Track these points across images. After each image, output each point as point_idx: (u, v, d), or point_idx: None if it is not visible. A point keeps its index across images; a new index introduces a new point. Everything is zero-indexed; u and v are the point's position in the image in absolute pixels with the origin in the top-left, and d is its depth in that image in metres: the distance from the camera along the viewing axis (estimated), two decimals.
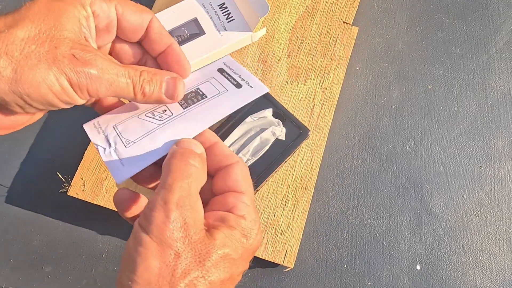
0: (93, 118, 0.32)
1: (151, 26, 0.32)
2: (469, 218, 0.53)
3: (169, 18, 0.55)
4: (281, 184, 0.52)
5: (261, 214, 0.51)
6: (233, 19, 0.55)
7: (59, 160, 0.55)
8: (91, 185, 0.51)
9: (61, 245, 0.52)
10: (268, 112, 0.51)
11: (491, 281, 0.51)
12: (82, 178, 0.51)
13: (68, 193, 0.51)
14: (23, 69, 0.25)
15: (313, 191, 0.52)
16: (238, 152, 0.50)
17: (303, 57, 0.57)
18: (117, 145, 0.30)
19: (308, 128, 0.51)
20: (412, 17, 0.61)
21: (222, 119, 0.32)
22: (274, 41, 0.57)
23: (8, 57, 0.25)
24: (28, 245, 0.52)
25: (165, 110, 0.31)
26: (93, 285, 0.51)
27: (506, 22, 0.61)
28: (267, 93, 0.52)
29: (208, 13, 0.55)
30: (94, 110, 0.34)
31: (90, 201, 0.51)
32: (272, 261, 0.49)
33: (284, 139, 0.50)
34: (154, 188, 0.32)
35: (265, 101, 0.51)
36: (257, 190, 0.50)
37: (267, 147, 0.50)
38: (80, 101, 0.28)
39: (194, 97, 0.32)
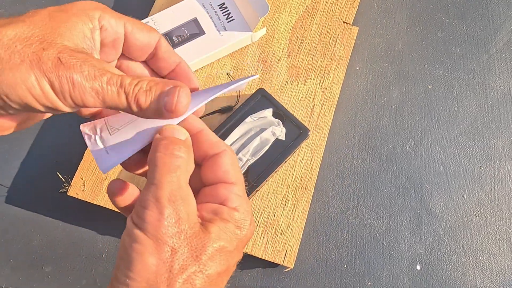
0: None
1: (159, 45, 0.32)
2: (469, 218, 0.53)
3: (169, 18, 0.55)
4: (281, 184, 0.52)
5: (261, 214, 0.51)
6: (233, 19, 0.55)
7: (59, 160, 0.55)
8: (91, 185, 0.51)
9: (61, 245, 0.52)
10: (268, 112, 0.51)
11: (491, 281, 0.51)
12: (82, 178, 0.51)
13: (68, 193, 0.51)
14: (4, 68, 0.24)
15: (313, 191, 0.52)
16: (238, 152, 0.50)
17: (303, 57, 0.57)
18: (102, 132, 0.29)
19: (308, 128, 0.51)
20: (412, 17, 0.61)
21: (206, 103, 0.30)
22: (274, 41, 0.57)
23: None
24: (28, 245, 0.52)
25: None
26: (93, 285, 0.51)
27: (506, 22, 0.61)
28: (267, 93, 0.52)
29: (208, 13, 0.55)
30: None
31: (90, 201, 0.51)
32: (272, 261, 0.49)
33: (284, 139, 0.50)
34: (143, 174, 0.32)
35: (265, 101, 0.51)
36: (257, 190, 0.50)
37: (267, 147, 0.50)
38: (66, 109, 0.26)
39: None
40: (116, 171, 0.51)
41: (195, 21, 0.55)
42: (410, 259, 0.51)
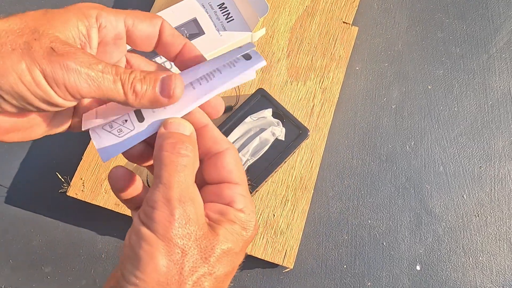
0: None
1: (162, 30, 0.31)
2: (469, 219, 0.53)
3: (168, 18, 0.55)
4: (281, 185, 0.52)
5: (260, 214, 0.51)
6: (233, 19, 0.55)
7: (59, 160, 0.55)
8: (91, 185, 0.51)
9: (61, 245, 0.52)
10: (267, 112, 0.51)
11: (491, 281, 0.51)
12: (81, 178, 0.51)
13: (68, 193, 0.51)
14: None
15: (312, 191, 0.52)
16: (237, 152, 0.50)
17: (303, 57, 0.57)
18: (105, 122, 0.29)
19: (308, 128, 0.51)
20: (412, 17, 0.61)
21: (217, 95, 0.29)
22: (273, 41, 0.57)
23: None
24: (27, 245, 0.52)
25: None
26: (93, 286, 0.51)
27: (506, 22, 0.61)
28: (267, 93, 0.52)
29: (207, 13, 0.55)
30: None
31: (89, 201, 0.51)
32: (271, 261, 0.49)
33: (283, 139, 0.50)
34: (146, 166, 0.31)
35: (264, 101, 0.51)
36: (257, 190, 0.50)
37: (266, 147, 0.50)
38: (60, 100, 0.25)
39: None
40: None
41: (194, 21, 0.55)
42: (410, 260, 0.51)
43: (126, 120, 0.29)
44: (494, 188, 0.54)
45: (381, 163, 0.55)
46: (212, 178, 0.29)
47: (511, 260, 0.51)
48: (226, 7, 0.56)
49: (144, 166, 0.31)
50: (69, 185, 0.51)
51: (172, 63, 0.40)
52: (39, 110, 0.26)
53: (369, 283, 0.51)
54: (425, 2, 0.62)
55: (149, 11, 0.59)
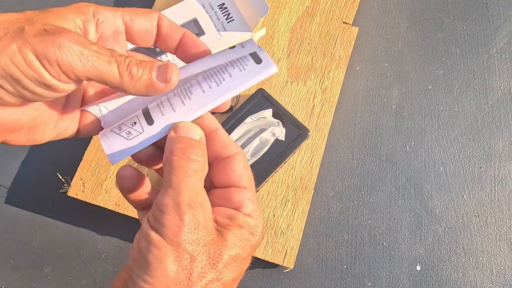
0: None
1: (160, 23, 0.31)
2: (470, 219, 0.53)
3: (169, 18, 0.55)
4: (281, 185, 0.52)
5: None
6: (233, 20, 0.55)
7: (59, 161, 0.55)
8: (91, 186, 0.51)
9: (61, 245, 0.52)
10: (267, 113, 0.51)
11: (492, 281, 0.51)
12: (81, 179, 0.51)
13: (68, 194, 0.51)
14: None
15: (313, 191, 0.52)
16: None
17: (303, 57, 0.57)
18: (115, 125, 0.29)
19: (308, 128, 0.51)
20: (412, 17, 0.61)
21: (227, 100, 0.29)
22: (274, 41, 0.57)
23: None
24: (28, 245, 0.52)
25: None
26: (93, 286, 0.51)
27: (506, 22, 0.61)
28: (267, 93, 0.52)
29: (208, 13, 0.55)
30: None
31: (89, 202, 0.51)
32: (272, 261, 0.49)
33: (284, 139, 0.50)
34: (155, 169, 0.31)
35: (265, 101, 0.51)
36: (257, 191, 0.50)
37: (266, 148, 0.50)
38: (54, 81, 0.25)
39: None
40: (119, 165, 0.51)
41: (195, 21, 0.55)
42: (410, 260, 0.51)
43: (135, 123, 0.29)
44: (494, 188, 0.54)
45: (381, 163, 0.55)
46: (221, 182, 0.29)
47: (511, 261, 0.51)
48: (226, 8, 0.56)
49: (153, 169, 0.31)
50: (70, 185, 0.51)
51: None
52: (36, 96, 0.26)
53: (369, 283, 0.51)
54: (425, 2, 0.62)
55: None
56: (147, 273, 0.24)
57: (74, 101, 0.31)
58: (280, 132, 0.50)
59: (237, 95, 0.54)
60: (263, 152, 0.50)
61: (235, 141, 0.50)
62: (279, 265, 0.50)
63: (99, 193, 0.51)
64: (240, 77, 0.29)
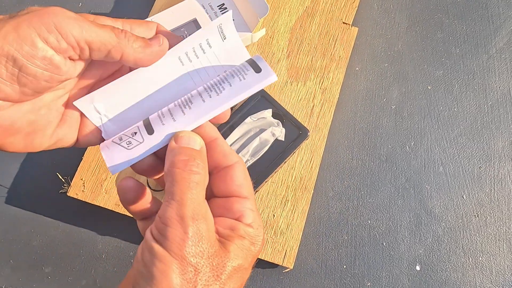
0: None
1: (159, 32, 0.32)
2: (469, 219, 0.53)
3: (168, 19, 0.55)
4: (281, 185, 0.52)
5: (260, 214, 0.51)
6: (233, 20, 0.55)
7: (59, 161, 0.55)
8: (91, 186, 0.51)
9: (61, 245, 0.52)
10: (267, 113, 0.51)
11: (491, 281, 0.51)
12: (82, 179, 0.52)
13: (68, 194, 0.51)
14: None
15: (312, 191, 0.52)
16: (237, 152, 0.50)
17: (303, 57, 0.57)
18: (115, 134, 0.29)
19: (308, 128, 0.51)
20: (412, 17, 0.61)
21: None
22: (273, 41, 0.57)
23: None
24: (28, 245, 0.52)
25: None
26: (93, 286, 0.51)
27: (506, 22, 0.61)
28: (267, 93, 0.52)
29: (208, 13, 0.55)
30: None
31: (89, 202, 0.51)
32: (271, 261, 0.49)
33: (283, 139, 0.50)
34: (156, 179, 0.32)
35: (264, 101, 0.51)
36: (257, 191, 0.50)
37: (266, 148, 0.50)
38: (50, 52, 0.26)
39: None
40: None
41: (195, 21, 0.55)
42: (409, 260, 0.51)
43: (135, 133, 0.29)
44: (494, 189, 0.54)
45: (381, 163, 0.55)
46: (221, 191, 0.29)
47: (511, 261, 0.51)
48: (226, 8, 0.56)
49: (153, 179, 0.32)
50: (70, 185, 0.51)
51: None
52: (36, 80, 0.26)
53: (368, 283, 0.51)
54: (425, 2, 0.62)
55: (149, 12, 0.59)
56: (151, 287, 0.24)
57: (73, 112, 0.31)
58: (279, 132, 0.50)
59: None
60: (263, 152, 0.50)
61: (235, 141, 0.50)
62: (278, 265, 0.50)
63: (99, 193, 0.51)
64: (240, 87, 0.29)
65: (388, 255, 0.52)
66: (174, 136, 0.28)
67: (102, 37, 0.27)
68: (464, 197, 0.54)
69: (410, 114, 0.57)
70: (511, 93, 0.58)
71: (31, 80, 0.26)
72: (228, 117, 0.31)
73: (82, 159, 0.52)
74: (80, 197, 0.51)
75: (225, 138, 0.50)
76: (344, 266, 0.51)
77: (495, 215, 0.53)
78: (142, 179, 0.50)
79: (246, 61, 0.31)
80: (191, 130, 0.28)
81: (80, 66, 0.29)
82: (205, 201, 0.27)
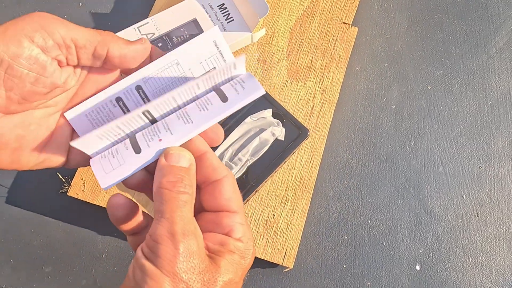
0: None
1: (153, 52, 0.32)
2: (469, 219, 0.53)
3: (168, 19, 0.55)
4: (281, 185, 0.52)
5: (260, 214, 0.51)
6: (233, 20, 0.55)
7: None
8: (91, 186, 0.51)
9: (61, 245, 0.52)
10: (267, 113, 0.51)
11: (491, 281, 0.51)
12: (82, 179, 0.52)
13: (68, 194, 0.51)
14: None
15: (312, 191, 0.52)
16: (237, 152, 0.50)
17: (303, 57, 0.57)
18: (105, 151, 0.29)
19: (308, 128, 0.51)
20: (412, 17, 0.61)
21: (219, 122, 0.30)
22: (273, 41, 0.57)
23: None
24: (28, 245, 0.53)
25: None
26: (93, 286, 0.51)
27: (506, 22, 0.61)
28: (267, 93, 0.52)
29: (208, 13, 0.55)
30: None
31: (90, 202, 0.51)
32: (271, 261, 0.49)
33: (283, 139, 0.50)
34: (145, 193, 0.32)
35: (264, 101, 0.52)
36: (257, 191, 0.50)
37: (266, 148, 0.50)
38: (35, 50, 0.26)
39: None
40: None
41: (194, 21, 0.55)
42: (409, 260, 0.51)
43: (126, 148, 0.29)
44: (494, 188, 0.54)
45: (381, 163, 0.55)
46: (210, 205, 0.29)
47: (511, 260, 0.51)
48: (226, 8, 0.56)
49: (144, 193, 0.32)
50: (70, 185, 0.51)
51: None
52: (23, 78, 0.26)
53: (368, 283, 0.51)
54: (425, 2, 0.62)
55: (149, 12, 0.59)
56: None
57: (63, 132, 0.31)
58: (279, 132, 0.50)
59: None
60: (263, 152, 0.50)
61: (235, 141, 0.50)
62: (278, 264, 0.50)
63: (99, 193, 0.51)
64: (231, 100, 0.29)
65: (388, 255, 0.52)
66: (164, 153, 0.28)
67: (88, 34, 0.27)
68: (464, 197, 0.54)
69: (410, 114, 0.57)
70: (511, 93, 0.58)
71: (17, 82, 0.26)
72: (222, 139, 0.31)
73: None
74: (80, 197, 0.51)
75: (224, 138, 0.50)
76: (344, 266, 0.51)
77: (495, 215, 0.53)
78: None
79: (236, 77, 0.31)
80: (180, 145, 0.29)
81: (66, 73, 0.28)
82: (194, 218, 0.27)
